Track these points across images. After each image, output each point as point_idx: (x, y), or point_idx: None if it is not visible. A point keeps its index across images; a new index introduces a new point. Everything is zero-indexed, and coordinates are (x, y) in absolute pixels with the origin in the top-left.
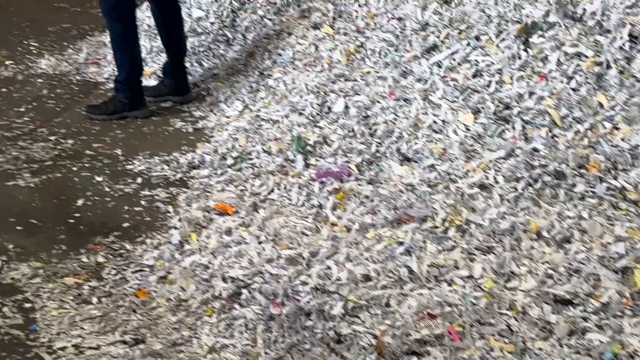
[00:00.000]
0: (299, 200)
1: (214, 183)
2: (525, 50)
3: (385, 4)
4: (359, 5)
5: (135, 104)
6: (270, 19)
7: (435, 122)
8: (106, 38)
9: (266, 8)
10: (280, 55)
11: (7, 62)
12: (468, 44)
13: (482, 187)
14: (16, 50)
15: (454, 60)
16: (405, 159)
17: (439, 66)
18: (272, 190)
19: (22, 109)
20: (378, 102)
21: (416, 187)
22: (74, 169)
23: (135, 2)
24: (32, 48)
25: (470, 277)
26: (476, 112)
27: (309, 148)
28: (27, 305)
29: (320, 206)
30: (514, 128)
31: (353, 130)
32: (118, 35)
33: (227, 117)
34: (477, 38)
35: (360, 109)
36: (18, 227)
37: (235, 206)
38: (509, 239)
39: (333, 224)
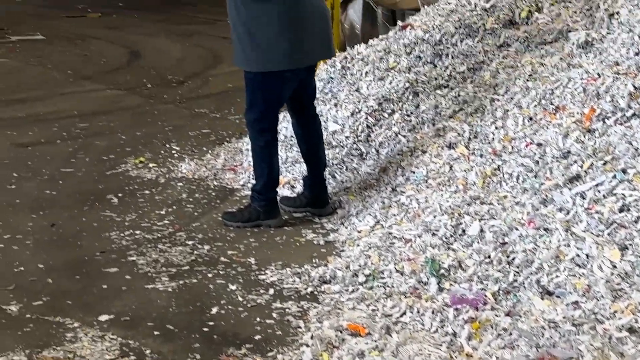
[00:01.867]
0: (432, 326)
1: (345, 300)
2: None
3: (524, 128)
4: (496, 128)
5: (269, 213)
6: (404, 136)
7: (578, 255)
8: (243, 145)
9: (401, 125)
10: (413, 172)
11: (151, 165)
12: (614, 177)
13: (631, 330)
14: (159, 154)
15: (599, 192)
16: (547, 293)
17: (583, 197)
18: (405, 313)
19: (162, 212)
20: (516, 229)
21: (559, 325)
22: (209, 275)
23: (278, 116)
24: (174, 152)
25: None
26: (623, 248)
27: (443, 271)
28: None
29: (455, 334)
30: None
31: (489, 257)
32: (260, 147)
33: (359, 231)
34: (624, 171)
35: (497, 235)
36: (156, 332)
37: (368, 327)
38: None
39: (468, 355)
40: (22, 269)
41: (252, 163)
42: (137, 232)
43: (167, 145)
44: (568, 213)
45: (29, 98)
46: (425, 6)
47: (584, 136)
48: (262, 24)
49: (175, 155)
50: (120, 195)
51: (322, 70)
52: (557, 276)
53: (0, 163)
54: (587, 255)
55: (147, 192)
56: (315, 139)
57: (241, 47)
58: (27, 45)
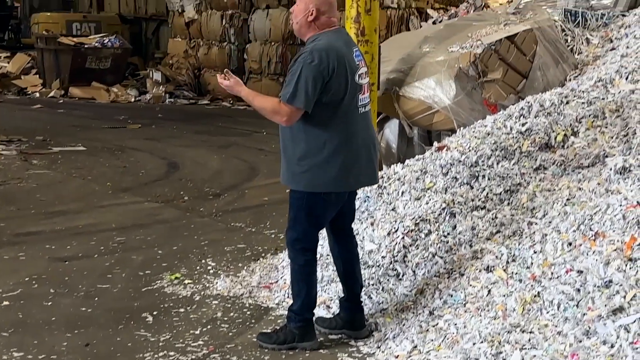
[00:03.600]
0: None
1: None
2: None
3: (563, 253)
4: (534, 252)
5: (305, 335)
6: (441, 257)
7: None
8: (278, 262)
9: (438, 246)
10: (451, 296)
11: (187, 281)
12: None
13: None
14: (195, 270)
15: None
16: None
17: (627, 330)
18: None
19: (197, 332)
20: None
21: None
22: None
23: (318, 236)
24: (209, 268)
25: None
26: None
27: None
28: None
29: None
30: None
31: None
32: (299, 266)
33: (396, 356)
34: None
35: None
36: None
37: None
38: None
39: None
40: None
41: (289, 282)
42: (172, 353)
43: (203, 261)
44: (612, 347)
45: (69, 210)
46: (461, 128)
47: (626, 265)
48: (314, 147)
49: (211, 271)
50: (155, 313)
51: (359, 189)
52: None
53: (38, 278)
54: None
55: (182, 310)
56: (352, 259)
57: (290, 167)
58: (68, 156)
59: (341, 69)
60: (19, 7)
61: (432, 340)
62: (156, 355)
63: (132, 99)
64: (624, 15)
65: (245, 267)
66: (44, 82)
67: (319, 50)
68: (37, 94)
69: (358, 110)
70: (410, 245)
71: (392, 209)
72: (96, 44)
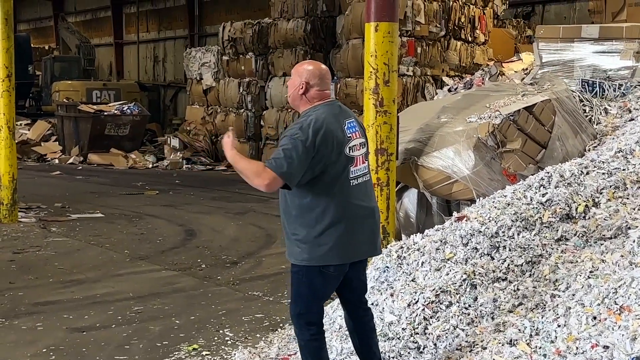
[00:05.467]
0: None
1: None
2: None
3: (588, 327)
4: (558, 326)
5: None
6: (462, 329)
7: None
8: None
9: (459, 318)
10: None
11: (204, 353)
12: None
13: None
14: (213, 340)
15: None
16: None
17: None
18: None
19: None
20: None
21: None
22: None
23: (323, 310)
24: (227, 338)
25: None
26: None
27: None
28: None
29: None
30: None
31: None
32: (305, 342)
33: None
34: None
35: None
36: None
37: None
38: None
39: None
40: None
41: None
42: None
43: (221, 331)
44: None
45: (87, 279)
46: (481, 198)
47: None
48: (307, 221)
49: (229, 342)
50: None
51: (378, 259)
52: None
53: (56, 349)
54: None
55: None
56: (367, 332)
57: (288, 241)
58: (86, 224)
59: (327, 144)
60: (40, 75)
61: None
62: None
63: (150, 165)
64: None
65: (263, 338)
66: (64, 148)
67: (306, 126)
68: (57, 161)
69: (350, 182)
70: (430, 317)
71: (412, 280)
72: (115, 111)
